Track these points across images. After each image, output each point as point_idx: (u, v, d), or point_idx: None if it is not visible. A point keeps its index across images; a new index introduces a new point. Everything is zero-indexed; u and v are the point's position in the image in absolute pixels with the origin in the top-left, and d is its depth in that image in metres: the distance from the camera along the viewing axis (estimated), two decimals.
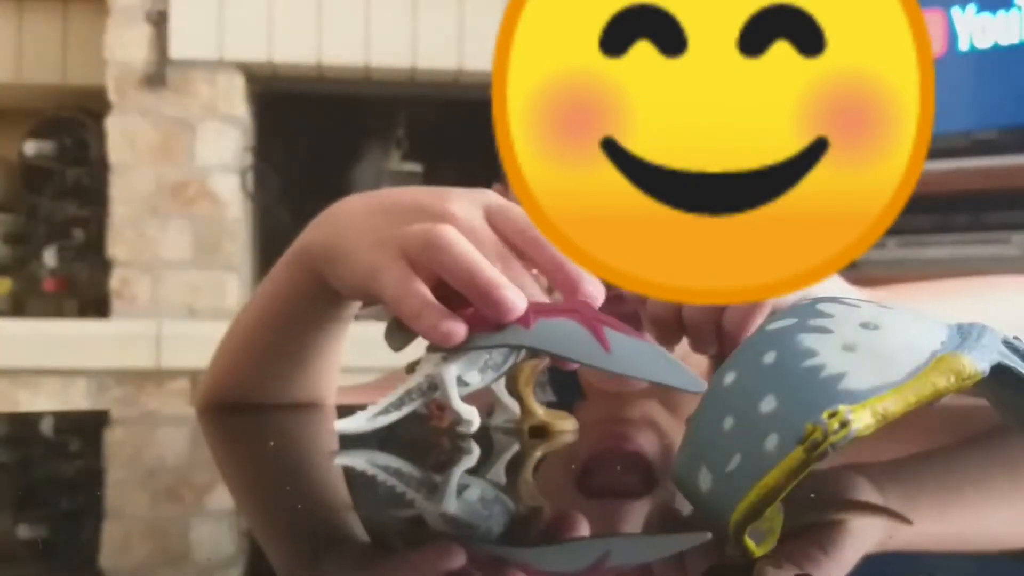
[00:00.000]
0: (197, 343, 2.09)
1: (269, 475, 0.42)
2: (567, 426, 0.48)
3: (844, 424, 0.24)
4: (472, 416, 0.44)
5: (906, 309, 0.29)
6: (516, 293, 0.43)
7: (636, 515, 0.36)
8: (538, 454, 0.45)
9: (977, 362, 0.26)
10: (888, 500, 0.36)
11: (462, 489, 0.38)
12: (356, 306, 0.58)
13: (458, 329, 0.43)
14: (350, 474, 0.42)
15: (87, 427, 0.64)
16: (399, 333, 0.46)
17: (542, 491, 0.39)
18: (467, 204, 0.49)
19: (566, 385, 0.77)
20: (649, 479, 0.42)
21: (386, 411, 0.45)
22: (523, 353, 0.46)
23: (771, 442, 0.25)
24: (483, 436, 0.46)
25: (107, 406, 2.09)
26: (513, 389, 0.48)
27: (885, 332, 0.27)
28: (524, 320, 0.43)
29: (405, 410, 0.45)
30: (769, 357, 0.27)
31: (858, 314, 0.28)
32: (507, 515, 0.34)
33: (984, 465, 0.45)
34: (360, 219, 0.52)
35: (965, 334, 0.28)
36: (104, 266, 2.28)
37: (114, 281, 2.25)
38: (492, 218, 0.48)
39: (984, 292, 0.65)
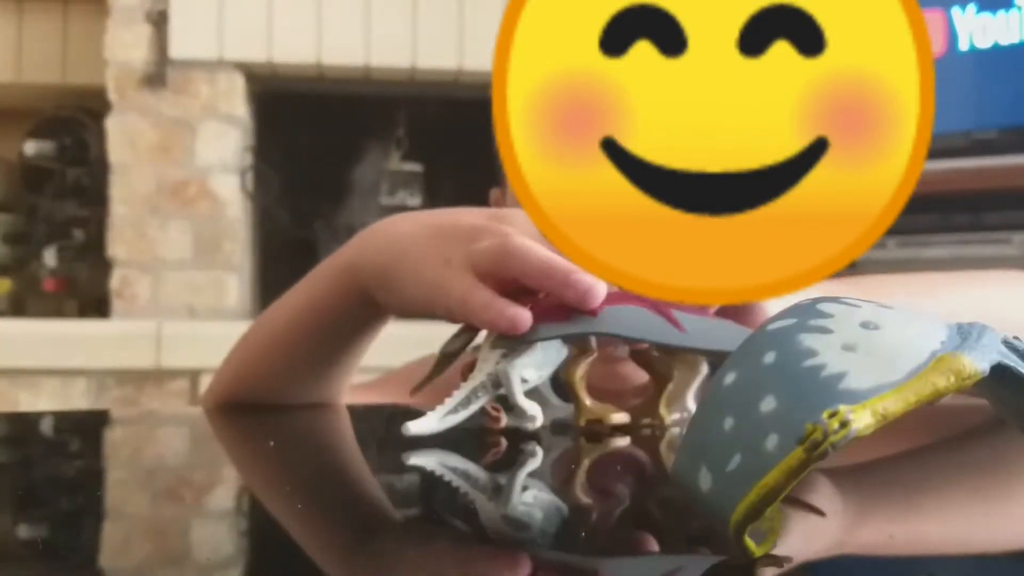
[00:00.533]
0: (197, 343, 2.10)
1: (300, 474, 0.42)
2: (620, 420, 0.48)
3: (844, 424, 0.24)
4: (536, 412, 0.45)
5: (906, 309, 0.29)
6: (592, 276, 0.43)
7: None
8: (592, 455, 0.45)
9: (977, 362, 0.26)
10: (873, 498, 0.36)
11: (523, 490, 0.38)
12: (389, 319, 0.58)
13: (524, 315, 0.44)
14: (422, 475, 0.42)
15: (87, 427, 0.64)
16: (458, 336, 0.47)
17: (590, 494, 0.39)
18: (522, 223, 0.49)
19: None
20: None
21: (455, 410, 0.45)
22: (572, 349, 0.46)
23: (771, 442, 0.25)
24: (533, 436, 0.47)
25: (107, 406, 2.09)
26: (568, 385, 0.48)
27: (885, 332, 0.27)
28: (591, 310, 0.43)
29: (473, 408, 0.45)
30: (769, 357, 0.27)
31: (858, 314, 0.28)
32: (560, 519, 0.34)
33: (978, 463, 0.45)
34: (421, 241, 0.52)
35: (965, 334, 0.28)
36: (104, 266, 2.27)
37: (114, 281, 2.25)
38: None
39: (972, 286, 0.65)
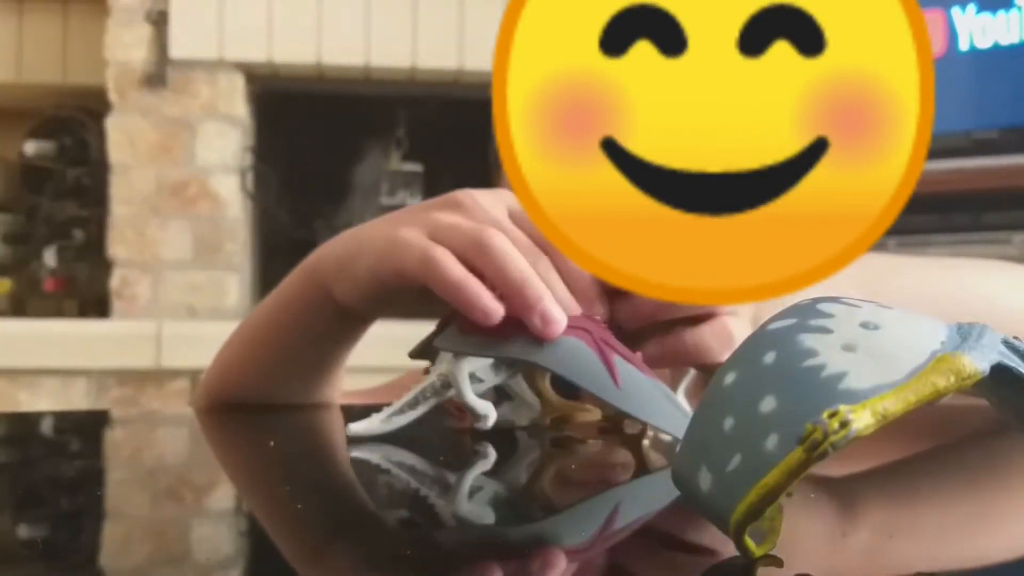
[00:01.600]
0: (197, 343, 2.09)
1: (276, 473, 0.42)
2: (588, 417, 0.48)
3: (844, 424, 0.24)
4: (488, 411, 0.44)
5: (906, 309, 0.29)
6: (559, 309, 0.42)
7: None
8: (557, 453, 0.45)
9: (977, 362, 0.26)
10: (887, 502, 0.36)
11: (475, 490, 0.38)
12: (365, 328, 0.57)
13: (499, 309, 0.42)
14: (363, 469, 0.42)
15: (87, 427, 0.64)
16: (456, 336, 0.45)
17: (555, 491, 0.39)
18: (492, 199, 0.48)
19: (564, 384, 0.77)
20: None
21: (401, 411, 0.45)
22: None
23: (771, 442, 0.25)
24: (507, 436, 0.46)
25: (107, 406, 2.09)
26: (531, 384, 0.47)
27: (885, 332, 0.27)
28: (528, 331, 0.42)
29: (420, 410, 0.45)
30: (769, 357, 0.27)
31: (858, 314, 0.28)
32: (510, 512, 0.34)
33: (977, 465, 0.45)
34: (374, 224, 0.51)
35: (965, 334, 0.28)
36: (104, 266, 2.28)
37: (114, 281, 2.25)
38: (517, 220, 0.47)
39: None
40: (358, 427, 0.45)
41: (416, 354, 0.47)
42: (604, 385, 0.41)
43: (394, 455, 0.43)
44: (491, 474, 0.41)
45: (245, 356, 0.61)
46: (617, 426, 0.47)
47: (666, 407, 0.42)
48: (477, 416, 0.44)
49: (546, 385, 0.47)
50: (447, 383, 0.44)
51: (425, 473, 0.42)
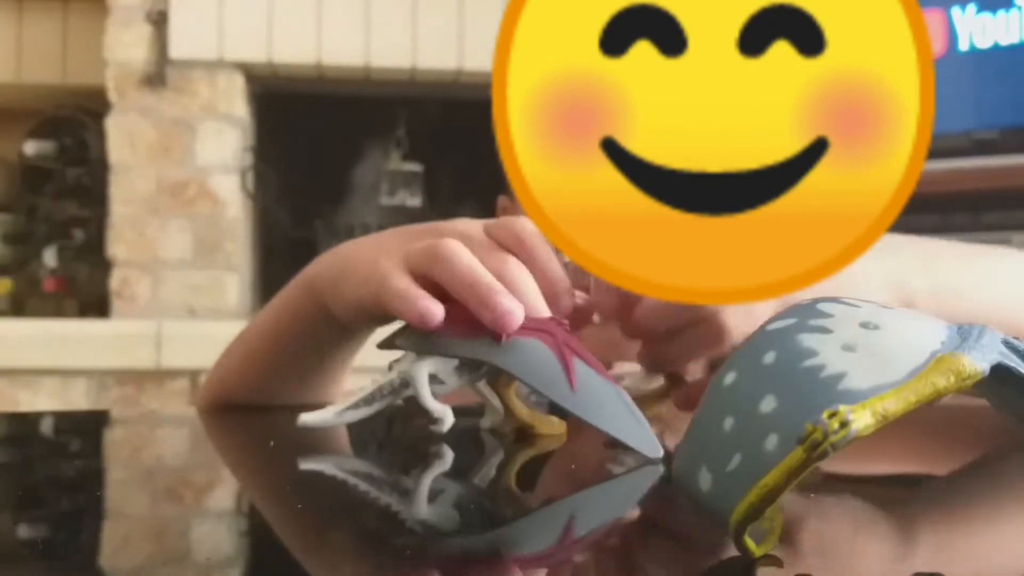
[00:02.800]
0: (197, 343, 2.09)
1: (293, 475, 0.42)
2: (553, 430, 0.47)
3: (844, 424, 0.24)
4: (444, 415, 0.44)
5: (906, 309, 0.29)
6: (514, 301, 0.42)
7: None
8: (522, 458, 0.45)
9: (977, 362, 0.26)
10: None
11: (435, 494, 0.38)
12: (365, 336, 0.58)
13: (434, 311, 0.43)
14: (319, 479, 0.42)
15: (87, 427, 0.64)
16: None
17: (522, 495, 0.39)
18: (470, 221, 0.49)
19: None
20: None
21: (355, 407, 0.44)
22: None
23: (771, 442, 0.25)
24: (475, 439, 0.46)
25: (107, 406, 2.09)
26: (497, 391, 0.46)
27: (885, 332, 0.27)
28: (497, 333, 0.42)
29: (376, 406, 0.44)
30: (769, 357, 0.27)
31: (858, 314, 0.28)
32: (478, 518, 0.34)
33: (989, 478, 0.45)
34: (367, 242, 0.53)
35: (965, 334, 0.28)
36: (104, 266, 2.27)
37: (114, 281, 2.25)
38: (489, 228, 0.48)
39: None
40: (310, 417, 0.44)
41: (385, 345, 0.47)
42: (558, 387, 0.41)
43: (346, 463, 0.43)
44: (453, 475, 0.41)
45: (247, 361, 0.62)
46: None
47: (620, 413, 0.41)
48: (433, 419, 0.44)
49: (511, 394, 0.46)
50: (406, 382, 0.44)
51: (381, 479, 0.42)
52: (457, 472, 0.42)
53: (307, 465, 0.44)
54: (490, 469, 0.43)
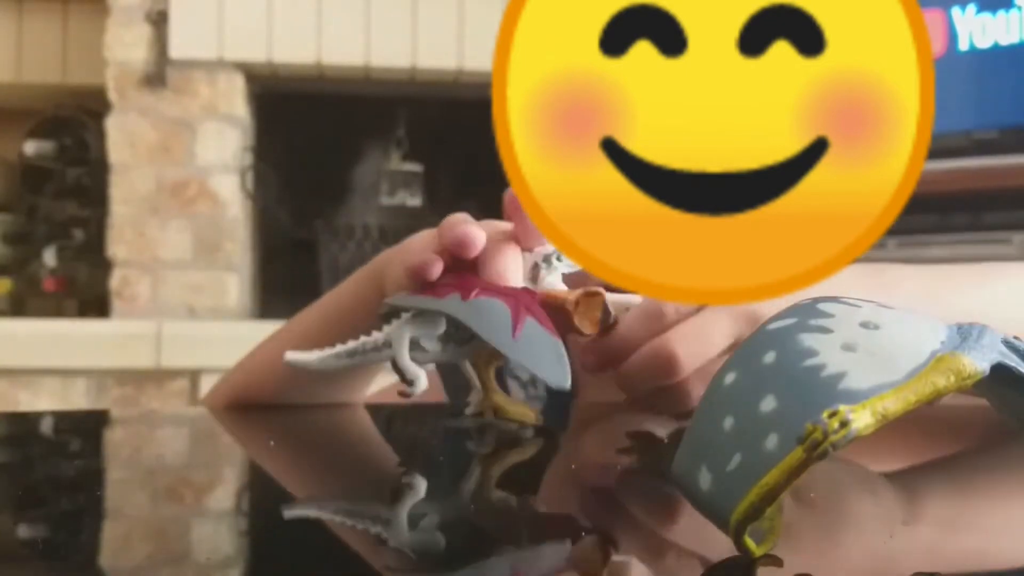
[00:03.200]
0: (197, 343, 2.10)
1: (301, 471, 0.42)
2: (522, 416, 0.48)
3: (844, 424, 0.24)
4: (417, 377, 0.45)
5: (906, 309, 0.29)
6: (478, 229, 0.45)
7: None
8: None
9: (977, 362, 0.26)
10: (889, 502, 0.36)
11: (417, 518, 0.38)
12: None
13: (434, 264, 0.45)
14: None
15: (87, 427, 0.64)
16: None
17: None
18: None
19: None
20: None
21: (338, 356, 0.46)
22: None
23: (771, 442, 0.25)
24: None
25: (107, 406, 2.09)
26: (478, 372, 0.48)
27: (885, 332, 0.27)
28: (465, 293, 0.43)
29: (357, 359, 0.46)
30: (769, 357, 0.27)
31: (858, 314, 0.28)
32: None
33: (990, 469, 0.45)
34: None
35: (965, 334, 0.28)
36: (104, 266, 2.28)
37: (114, 281, 2.25)
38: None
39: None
40: (296, 356, 0.47)
41: (383, 313, 0.48)
42: (501, 335, 0.42)
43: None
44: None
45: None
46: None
47: (550, 358, 0.42)
48: (406, 379, 0.45)
49: (490, 375, 0.48)
50: (388, 342, 0.45)
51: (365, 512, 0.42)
52: (448, 476, 0.42)
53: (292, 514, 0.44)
54: (486, 473, 0.43)
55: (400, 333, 0.44)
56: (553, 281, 0.46)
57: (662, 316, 0.46)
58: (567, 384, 0.41)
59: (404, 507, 0.36)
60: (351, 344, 0.46)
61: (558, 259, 0.46)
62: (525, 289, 0.45)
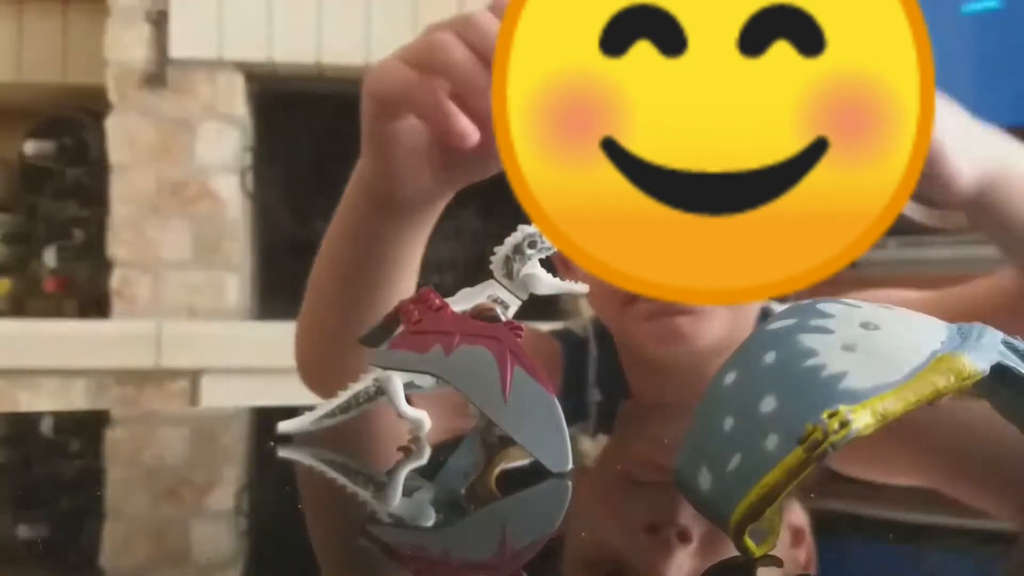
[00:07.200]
0: (197, 343, 2.09)
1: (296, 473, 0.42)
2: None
3: (844, 424, 0.24)
4: (421, 421, 0.44)
5: (906, 309, 0.29)
6: (470, 125, 0.46)
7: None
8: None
9: (977, 362, 0.26)
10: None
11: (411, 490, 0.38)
12: (424, 211, 0.60)
13: (472, 131, 0.47)
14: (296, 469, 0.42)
15: (87, 427, 0.64)
16: (379, 332, 0.45)
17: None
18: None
19: (612, 384, 0.77)
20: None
21: (332, 414, 0.45)
22: None
23: (771, 442, 0.25)
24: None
25: (107, 406, 2.09)
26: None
27: (885, 332, 0.27)
28: (447, 345, 0.42)
29: (352, 413, 0.45)
30: (769, 357, 0.27)
31: (858, 314, 0.28)
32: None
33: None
34: None
35: (965, 334, 0.28)
36: (104, 266, 2.27)
37: (114, 281, 2.25)
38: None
39: None
40: (287, 425, 0.45)
41: (364, 340, 0.47)
42: (492, 398, 0.41)
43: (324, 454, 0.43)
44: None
45: (329, 295, 0.65)
46: None
47: (548, 432, 0.40)
48: (411, 424, 0.44)
49: None
50: (381, 390, 0.44)
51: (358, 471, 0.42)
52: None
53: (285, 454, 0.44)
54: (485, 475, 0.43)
55: (391, 382, 0.43)
56: (530, 272, 0.44)
57: None
58: (567, 467, 0.39)
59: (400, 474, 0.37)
60: (343, 398, 0.44)
61: (530, 246, 0.44)
62: (508, 323, 0.43)
